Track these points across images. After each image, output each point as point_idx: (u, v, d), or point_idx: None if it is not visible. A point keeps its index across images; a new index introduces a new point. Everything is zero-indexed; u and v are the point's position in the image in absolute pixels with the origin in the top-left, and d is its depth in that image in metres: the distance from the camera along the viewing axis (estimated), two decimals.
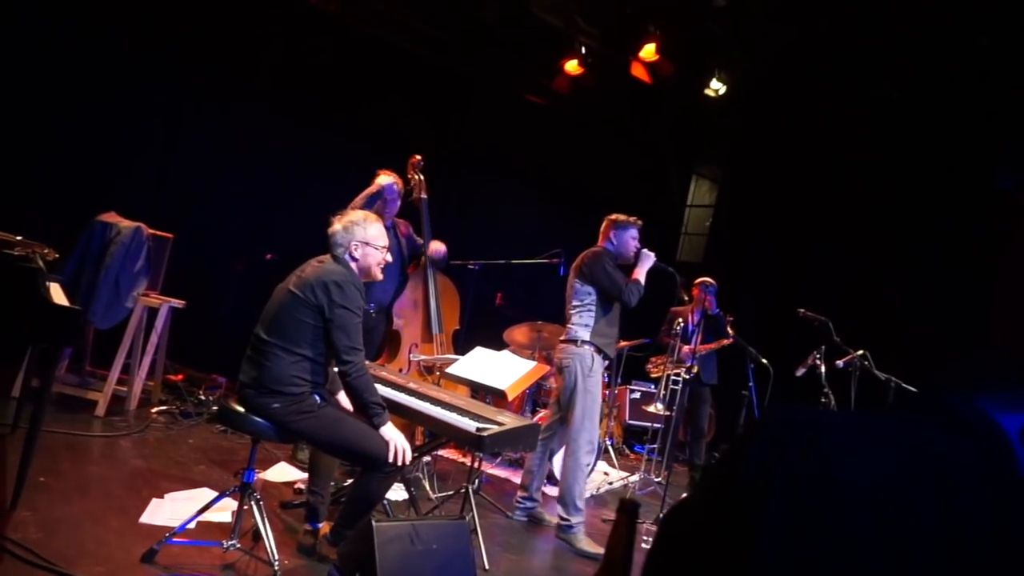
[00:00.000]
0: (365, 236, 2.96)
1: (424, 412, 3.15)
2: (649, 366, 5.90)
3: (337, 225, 2.96)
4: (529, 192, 7.65)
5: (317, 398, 2.83)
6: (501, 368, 3.65)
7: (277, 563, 2.64)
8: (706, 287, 5.54)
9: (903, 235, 6.49)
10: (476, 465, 4.05)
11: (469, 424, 2.95)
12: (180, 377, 5.34)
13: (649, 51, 6.71)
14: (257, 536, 2.81)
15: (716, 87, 7.09)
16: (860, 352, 4.85)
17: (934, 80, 6.03)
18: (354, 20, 6.31)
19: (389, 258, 3.09)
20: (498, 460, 5.44)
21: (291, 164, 6.09)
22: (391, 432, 2.81)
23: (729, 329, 5.53)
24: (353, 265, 2.94)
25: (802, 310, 4.98)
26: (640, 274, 4.02)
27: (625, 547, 0.86)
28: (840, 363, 4.85)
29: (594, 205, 7.57)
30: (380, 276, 3.07)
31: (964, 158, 6.11)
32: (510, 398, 3.51)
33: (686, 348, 5.32)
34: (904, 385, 4.73)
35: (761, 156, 7.91)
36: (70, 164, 5.18)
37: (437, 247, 4.68)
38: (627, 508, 0.86)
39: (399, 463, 2.78)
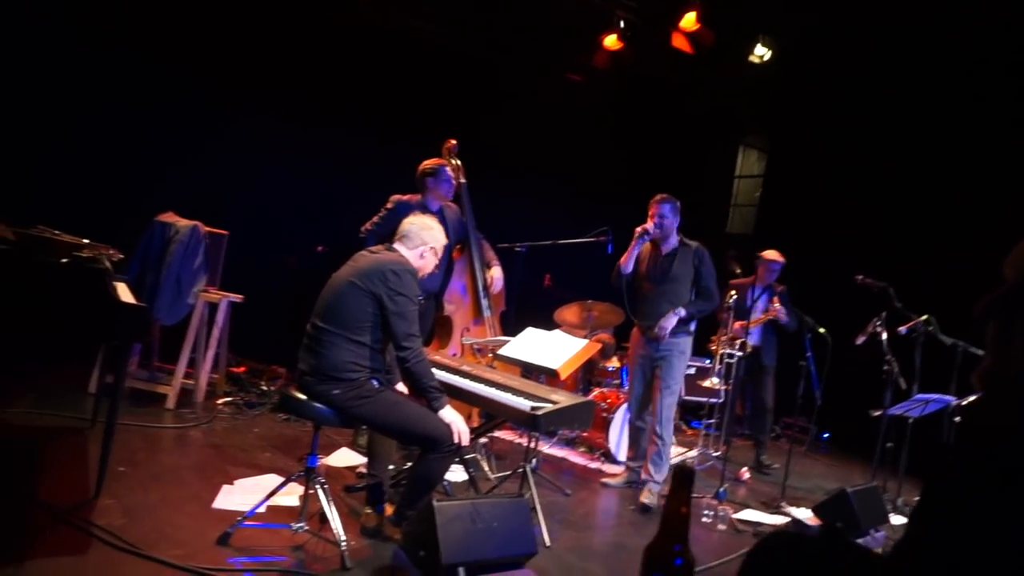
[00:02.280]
0: (437, 245, 3.12)
1: (479, 394, 3.19)
2: (710, 344, 5.67)
3: (415, 221, 3.12)
4: (573, 172, 7.59)
5: (375, 383, 2.90)
6: (552, 347, 3.66)
7: (344, 543, 2.72)
8: (771, 266, 5.34)
9: (963, 194, 6.21)
10: (533, 445, 4.08)
11: (524, 404, 2.98)
12: (242, 369, 5.53)
13: (690, 20, 6.56)
14: (324, 519, 2.90)
15: (760, 53, 6.90)
16: (924, 317, 4.69)
17: (989, 32, 5.74)
18: (388, 14, 6.35)
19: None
20: (554, 440, 5.47)
21: (334, 157, 6.19)
22: (451, 414, 2.87)
23: (775, 303, 5.28)
24: (415, 259, 3.06)
25: (860, 276, 4.83)
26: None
27: (681, 512, 0.86)
28: (903, 329, 4.69)
29: (640, 182, 7.51)
30: (425, 275, 3.19)
31: None
32: (562, 377, 3.52)
33: (738, 324, 5.19)
34: (972, 349, 4.56)
35: (809, 122, 7.66)
36: (127, 167, 5.38)
37: (497, 278, 4.70)
38: (682, 474, 0.86)
39: (459, 444, 2.83)
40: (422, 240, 3.07)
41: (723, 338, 5.16)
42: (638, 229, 4.19)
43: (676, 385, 4.28)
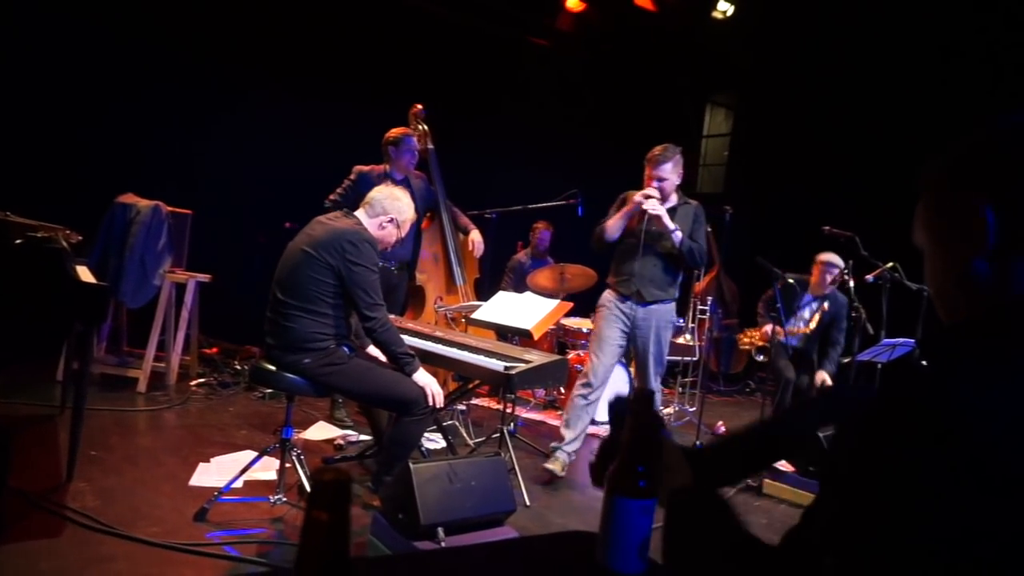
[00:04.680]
0: (402, 216, 3.04)
1: (453, 357, 3.19)
2: (741, 336, 5.20)
3: (383, 190, 3.05)
4: (541, 136, 7.54)
5: (346, 350, 2.88)
6: (525, 309, 3.66)
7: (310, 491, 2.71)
8: (828, 268, 4.81)
9: (925, 147, 6.28)
10: (509, 409, 4.10)
11: (497, 364, 2.98)
12: (215, 350, 5.46)
13: None
14: (302, 490, 2.89)
15: (723, 8, 6.87)
16: (889, 264, 4.76)
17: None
18: None
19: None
20: (531, 404, 5.50)
21: (298, 130, 6.07)
22: (424, 378, 2.87)
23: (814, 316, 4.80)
24: (374, 228, 2.97)
25: (827, 227, 4.88)
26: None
27: (643, 432, 0.86)
28: (870, 277, 4.76)
29: (608, 144, 7.49)
30: (385, 248, 3.14)
31: (992, 64, 5.86)
32: (536, 337, 3.53)
33: (780, 330, 4.72)
34: None
35: (776, 78, 7.68)
36: (84, 148, 5.22)
37: (478, 242, 4.60)
38: (643, 396, 0.86)
39: (435, 406, 2.83)
40: (383, 209, 3.01)
41: (760, 334, 4.87)
42: (638, 197, 3.68)
43: (666, 359, 3.98)
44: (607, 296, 3.90)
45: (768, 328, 4.82)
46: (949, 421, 0.61)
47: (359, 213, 3.02)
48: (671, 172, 3.75)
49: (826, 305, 4.86)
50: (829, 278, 4.83)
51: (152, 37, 5.46)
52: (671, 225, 3.69)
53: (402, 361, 2.86)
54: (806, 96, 7.32)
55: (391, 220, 3.03)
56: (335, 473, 0.57)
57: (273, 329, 2.85)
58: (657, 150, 3.76)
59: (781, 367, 4.74)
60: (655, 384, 3.93)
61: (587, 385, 3.82)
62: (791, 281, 4.81)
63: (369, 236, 2.91)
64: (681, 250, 3.73)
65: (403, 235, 3.14)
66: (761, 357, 4.95)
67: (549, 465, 3.72)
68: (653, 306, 3.82)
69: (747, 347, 5.12)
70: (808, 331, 4.89)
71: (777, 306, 4.58)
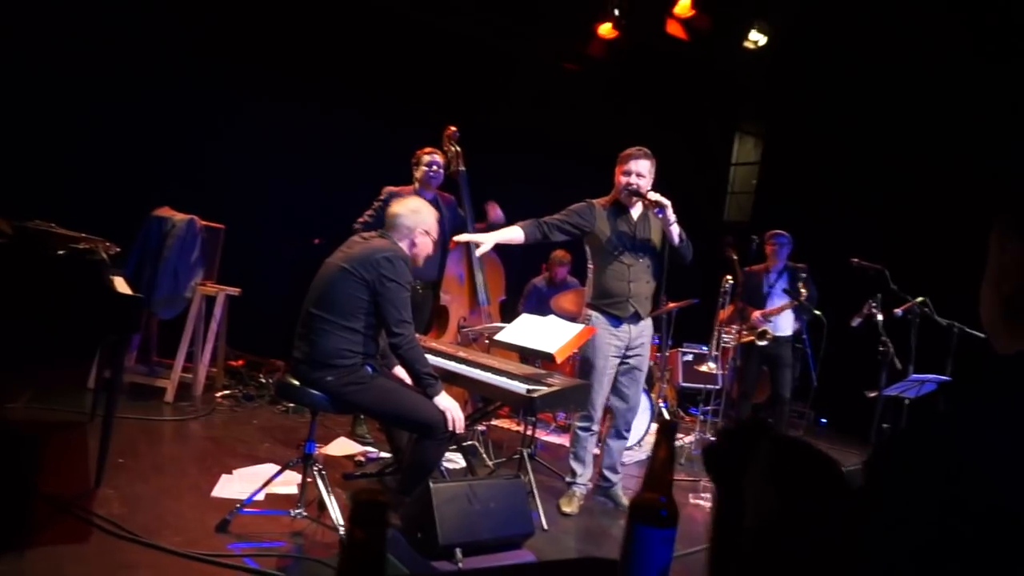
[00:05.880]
0: (428, 226, 3.06)
1: (475, 378, 3.21)
2: (723, 335, 5.48)
3: (402, 209, 3.03)
4: (570, 160, 7.59)
5: (369, 369, 2.91)
6: (548, 332, 3.67)
7: (343, 529, 2.74)
8: (777, 240, 5.19)
9: (957, 178, 6.22)
10: (530, 431, 4.10)
11: (520, 387, 2.99)
12: (241, 363, 5.55)
13: (684, 6, 6.57)
14: (322, 505, 2.91)
15: (755, 39, 6.90)
16: (920, 299, 4.71)
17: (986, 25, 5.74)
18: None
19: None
20: (552, 427, 5.49)
21: (331, 148, 6.19)
22: (446, 401, 2.88)
23: (802, 287, 5.05)
24: (406, 246, 3.01)
25: (856, 260, 4.84)
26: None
27: (665, 465, 0.88)
28: (898, 311, 4.71)
29: None
30: (421, 263, 3.17)
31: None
32: (559, 361, 3.53)
33: (757, 313, 5.08)
34: (968, 330, 4.57)
35: (805, 108, 7.67)
36: (121, 162, 5.38)
37: (496, 212, 4.66)
38: (666, 427, 0.88)
39: (455, 430, 2.85)
40: (409, 227, 3.01)
41: (744, 329, 5.00)
42: (653, 196, 3.51)
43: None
44: (596, 321, 3.65)
45: (757, 314, 5.05)
46: (957, 461, 0.63)
47: (390, 235, 3.05)
48: (648, 171, 3.63)
49: (803, 282, 5.08)
50: (777, 248, 5.16)
51: (195, 53, 5.64)
52: (672, 217, 3.53)
53: (425, 382, 2.89)
54: (836, 127, 7.30)
55: (421, 232, 3.04)
56: (373, 494, 0.60)
57: (302, 343, 2.90)
58: (634, 149, 3.65)
59: (748, 373, 5.19)
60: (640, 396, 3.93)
61: (587, 418, 3.70)
62: (758, 269, 5.20)
63: (404, 255, 2.96)
64: (679, 245, 3.61)
65: (436, 238, 3.15)
66: (764, 342, 5.05)
67: (566, 508, 3.63)
68: (644, 321, 3.74)
69: (750, 339, 5.13)
70: (785, 307, 5.10)
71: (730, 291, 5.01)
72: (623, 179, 3.62)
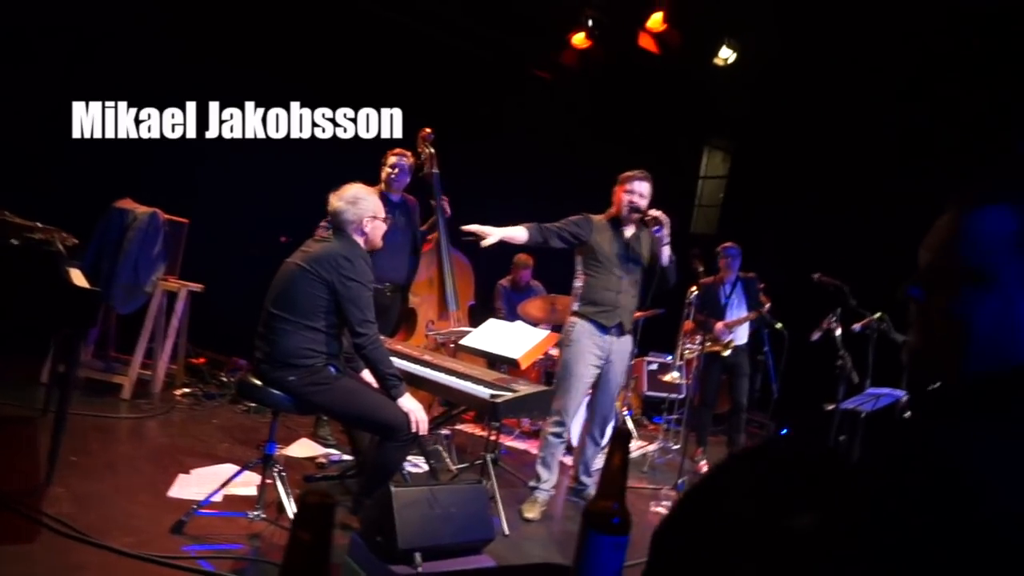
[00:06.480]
0: (373, 210, 3.01)
1: (440, 382, 3.21)
2: (684, 348, 5.61)
3: (341, 203, 2.96)
4: (540, 167, 7.63)
5: (332, 370, 2.88)
6: (514, 338, 3.68)
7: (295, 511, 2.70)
8: (727, 252, 5.30)
9: (918, 199, 6.39)
10: (495, 437, 4.10)
11: (483, 392, 3.00)
12: (202, 360, 5.45)
13: (656, 21, 6.65)
14: (281, 508, 2.88)
15: (725, 55, 7.01)
16: (877, 315, 4.82)
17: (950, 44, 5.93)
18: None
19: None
20: (516, 432, 5.50)
21: (299, 145, 6.11)
22: (409, 403, 2.87)
23: (763, 297, 5.25)
24: (360, 239, 2.98)
25: (817, 275, 4.95)
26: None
27: (618, 472, 0.89)
28: (857, 327, 4.81)
29: (605, 180, 7.57)
30: (381, 244, 3.11)
31: (985, 122, 6.00)
32: (523, 367, 3.55)
33: (719, 324, 5.14)
34: None
35: (773, 124, 7.81)
36: (83, 152, 5.25)
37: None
38: (620, 435, 0.89)
39: (418, 432, 2.84)
40: (353, 222, 2.95)
41: (707, 340, 5.08)
42: (654, 212, 3.72)
43: None
44: (582, 328, 3.74)
45: (720, 325, 5.11)
46: (951, 479, 0.63)
47: (341, 232, 3.01)
48: (648, 193, 3.85)
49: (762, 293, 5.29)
50: (729, 260, 5.24)
51: (161, 43, 5.53)
52: (667, 236, 3.72)
53: (389, 383, 2.87)
54: (803, 144, 7.45)
55: (370, 219, 2.98)
56: (321, 496, 0.59)
57: (263, 343, 2.87)
58: (637, 172, 3.86)
59: (709, 382, 5.23)
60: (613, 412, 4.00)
61: (560, 424, 3.77)
62: (710, 281, 5.24)
63: (361, 251, 2.93)
64: (667, 266, 3.77)
65: (383, 218, 3.08)
66: (728, 352, 5.15)
67: (528, 514, 3.64)
68: (626, 337, 3.87)
69: (715, 349, 5.21)
70: (749, 317, 5.21)
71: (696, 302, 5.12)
72: (625, 197, 3.81)
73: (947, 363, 0.83)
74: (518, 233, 3.68)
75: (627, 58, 7.28)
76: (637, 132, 8.20)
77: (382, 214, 3.06)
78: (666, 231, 3.71)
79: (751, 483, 0.76)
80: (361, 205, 2.97)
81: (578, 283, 3.87)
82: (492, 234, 3.58)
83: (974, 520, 0.61)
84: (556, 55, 7.29)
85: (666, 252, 3.76)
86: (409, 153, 4.51)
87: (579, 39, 6.91)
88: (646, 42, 6.88)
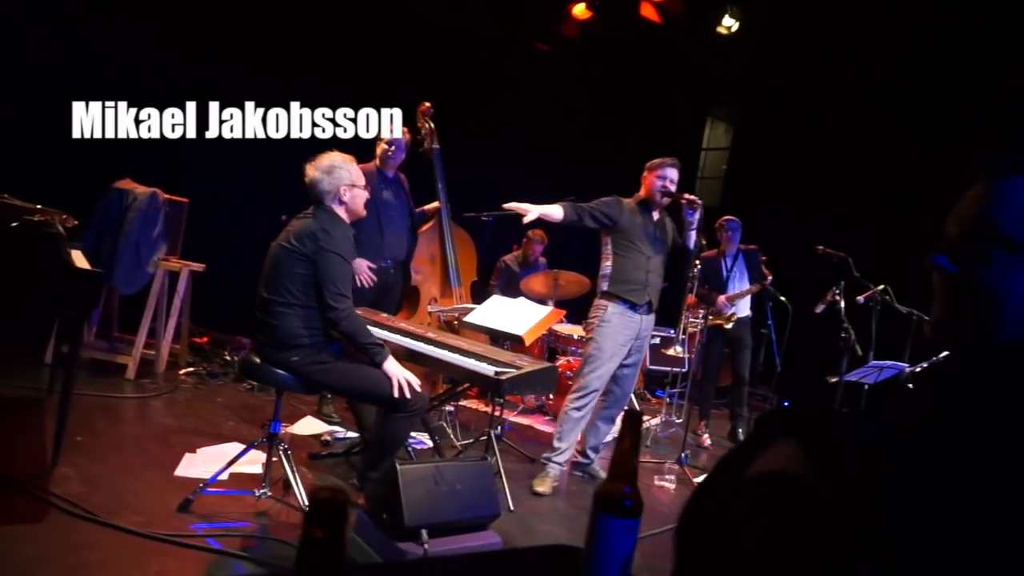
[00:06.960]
0: (351, 178, 2.94)
1: (443, 359, 3.20)
2: (686, 322, 5.50)
3: (317, 173, 2.90)
4: (542, 141, 7.56)
5: (335, 348, 2.88)
6: (517, 314, 3.67)
7: (307, 508, 2.72)
8: (728, 225, 5.28)
9: (923, 169, 6.34)
10: (498, 412, 4.11)
11: (488, 369, 2.99)
12: (205, 340, 5.46)
13: None
14: (287, 485, 2.90)
15: (728, 24, 6.91)
16: (881, 287, 4.80)
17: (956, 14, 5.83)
18: None
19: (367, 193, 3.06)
20: (520, 408, 5.52)
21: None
22: (393, 367, 2.86)
23: (765, 269, 5.25)
24: (341, 210, 2.93)
25: (821, 247, 4.92)
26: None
27: (629, 454, 0.88)
28: (860, 299, 4.80)
29: (609, 152, 7.51)
30: (364, 213, 3.06)
31: (981, 88, 5.92)
32: (527, 343, 3.54)
33: (721, 297, 5.14)
34: (926, 317, 4.68)
35: (777, 95, 7.72)
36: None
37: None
38: (632, 417, 0.88)
39: (406, 396, 2.83)
40: (329, 192, 2.90)
41: (710, 313, 5.09)
42: (688, 195, 3.78)
43: None
44: (615, 308, 3.78)
45: (722, 298, 5.11)
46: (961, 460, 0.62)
47: (321, 204, 2.96)
48: (677, 179, 3.89)
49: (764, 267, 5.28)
50: (730, 233, 5.21)
51: (157, 25, 5.45)
52: (697, 220, 3.82)
53: (371, 351, 2.85)
54: (807, 115, 7.37)
55: (348, 187, 2.92)
56: (333, 493, 0.58)
57: (261, 328, 2.86)
58: (667, 159, 3.86)
59: (712, 355, 5.27)
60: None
61: (582, 398, 3.78)
62: (712, 255, 5.20)
63: (343, 224, 2.89)
64: (692, 249, 3.90)
65: (363, 184, 3.01)
66: (731, 325, 5.16)
67: (539, 488, 3.67)
68: (652, 314, 3.95)
69: (718, 322, 5.20)
70: (751, 290, 5.22)
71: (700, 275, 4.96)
72: (657, 183, 3.83)
73: (979, 333, 0.82)
74: (554, 211, 3.69)
75: (629, 28, 7.17)
76: (639, 104, 8.12)
77: (361, 182, 2.98)
78: (698, 215, 3.79)
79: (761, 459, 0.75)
80: (336, 174, 2.90)
81: (607, 263, 3.89)
82: (532, 211, 3.60)
83: (1009, 490, 0.60)
84: (556, 27, 7.18)
85: (693, 236, 3.85)
86: (406, 129, 4.46)
87: (580, 10, 6.81)
88: (648, 12, 6.78)
